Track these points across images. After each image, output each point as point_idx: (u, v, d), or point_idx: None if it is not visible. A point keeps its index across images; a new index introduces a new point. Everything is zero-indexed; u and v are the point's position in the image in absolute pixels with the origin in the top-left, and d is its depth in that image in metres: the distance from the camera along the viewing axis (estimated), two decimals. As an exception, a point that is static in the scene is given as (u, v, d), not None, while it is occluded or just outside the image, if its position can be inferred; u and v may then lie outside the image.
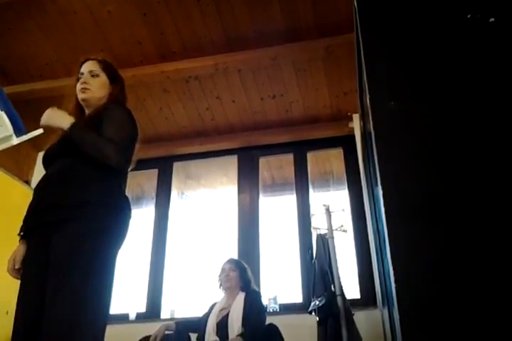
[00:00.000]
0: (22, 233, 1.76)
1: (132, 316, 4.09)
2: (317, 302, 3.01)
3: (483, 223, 1.14)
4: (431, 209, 1.18)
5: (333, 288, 3.04)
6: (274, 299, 3.83)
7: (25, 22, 3.93)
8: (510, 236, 1.11)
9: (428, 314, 1.08)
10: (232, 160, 4.71)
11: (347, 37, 3.42)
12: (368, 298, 3.67)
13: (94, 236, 1.60)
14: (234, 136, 4.67)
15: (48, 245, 1.62)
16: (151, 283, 4.24)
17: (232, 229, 4.36)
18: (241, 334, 2.81)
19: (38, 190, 1.77)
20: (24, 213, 1.76)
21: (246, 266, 3.30)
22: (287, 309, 3.78)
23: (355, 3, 1.64)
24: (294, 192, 4.40)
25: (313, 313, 3.08)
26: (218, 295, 3.28)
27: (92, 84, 1.97)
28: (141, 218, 4.65)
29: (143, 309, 4.14)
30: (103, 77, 2.00)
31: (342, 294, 3.02)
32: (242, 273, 3.21)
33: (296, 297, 3.91)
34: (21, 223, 1.75)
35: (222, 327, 2.94)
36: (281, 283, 4.12)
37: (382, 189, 1.24)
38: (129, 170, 1.91)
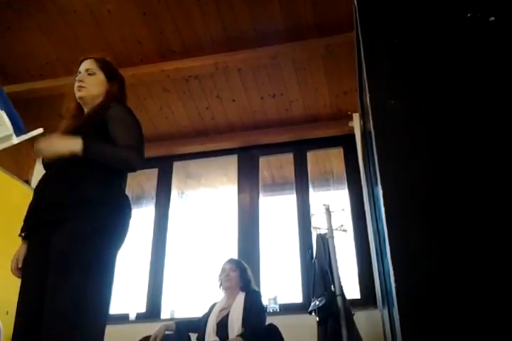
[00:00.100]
0: (23, 233, 1.75)
1: (132, 316, 4.09)
2: (317, 303, 3.01)
3: (483, 223, 1.14)
4: (431, 209, 1.18)
5: (333, 288, 3.04)
6: (274, 299, 3.82)
7: (25, 21, 3.93)
8: (510, 235, 1.10)
9: (428, 314, 1.08)
10: (232, 160, 4.71)
11: (347, 36, 3.42)
12: (367, 298, 3.66)
13: (95, 235, 1.60)
14: (234, 135, 4.67)
15: (48, 244, 1.62)
16: (151, 283, 4.24)
17: (232, 228, 4.36)
18: (241, 335, 2.80)
19: (38, 190, 1.77)
20: (24, 213, 1.76)
21: (246, 266, 3.30)
22: (287, 309, 3.78)
23: (355, 2, 1.63)
24: (294, 191, 4.40)
25: (313, 313, 3.08)
26: (218, 295, 3.28)
27: (87, 82, 1.97)
28: (141, 218, 4.65)
29: (143, 309, 4.14)
30: (99, 75, 2.00)
31: (342, 294, 3.01)
32: (243, 273, 3.20)
33: (296, 297, 3.91)
34: (21, 223, 1.75)
35: (222, 327, 2.94)
36: (281, 283, 4.12)
37: (382, 188, 1.24)
38: None
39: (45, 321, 1.49)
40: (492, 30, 1.37)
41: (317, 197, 4.38)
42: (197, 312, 3.40)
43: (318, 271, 3.16)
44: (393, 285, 1.13)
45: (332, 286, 3.04)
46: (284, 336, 2.86)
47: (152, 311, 4.10)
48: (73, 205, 1.65)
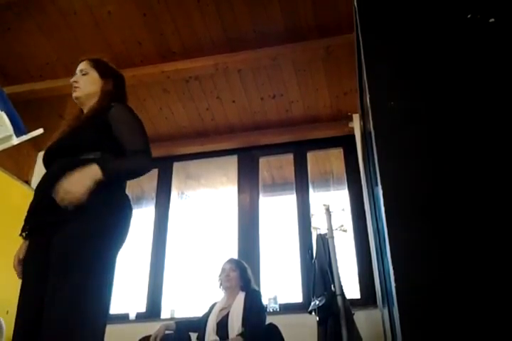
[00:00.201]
0: (24, 233, 1.75)
1: (132, 316, 4.09)
2: (317, 302, 3.01)
3: (483, 222, 1.14)
4: (431, 209, 1.19)
5: (333, 288, 3.04)
6: (274, 299, 3.83)
7: (26, 22, 3.93)
8: (510, 235, 1.11)
9: (428, 313, 1.08)
10: (232, 160, 4.72)
11: (347, 37, 3.43)
12: (368, 298, 3.67)
13: (95, 236, 1.60)
14: (234, 136, 4.67)
15: (48, 245, 1.62)
16: (151, 283, 4.24)
17: (232, 229, 4.36)
18: (241, 334, 2.81)
19: (38, 190, 1.77)
20: (24, 213, 1.76)
21: (246, 265, 3.30)
22: (287, 309, 3.78)
23: (355, 4, 1.64)
24: (294, 192, 4.40)
25: (313, 313, 3.08)
26: (218, 295, 3.28)
27: (81, 82, 1.98)
28: (141, 218, 4.65)
29: (143, 309, 4.14)
30: (93, 74, 2.00)
31: (342, 294, 3.02)
32: (243, 273, 3.21)
33: (296, 297, 3.91)
34: (21, 223, 1.75)
35: (222, 326, 2.94)
36: (281, 282, 4.12)
37: (382, 188, 1.24)
38: None
39: (45, 322, 1.49)
40: (492, 32, 1.37)
41: (317, 198, 4.38)
42: (197, 312, 3.41)
43: (318, 270, 3.16)
44: (393, 284, 1.14)
45: (332, 286, 3.05)
46: (284, 335, 2.87)
47: (152, 311, 4.11)
48: (73, 206, 1.65)
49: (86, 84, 1.98)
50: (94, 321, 1.53)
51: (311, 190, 4.40)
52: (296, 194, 4.37)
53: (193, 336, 3.10)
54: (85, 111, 1.98)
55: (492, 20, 1.38)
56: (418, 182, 1.23)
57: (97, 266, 1.58)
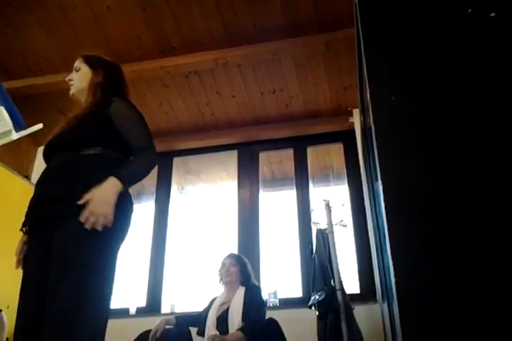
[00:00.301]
0: (25, 228, 1.75)
1: (132, 311, 4.10)
2: (317, 297, 3.02)
3: (483, 218, 1.15)
4: (431, 204, 1.19)
5: (332, 283, 3.05)
6: (274, 294, 3.84)
7: (25, 17, 3.92)
8: (510, 231, 1.11)
9: (427, 308, 1.09)
10: (232, 155, 4.71)
11: (347, 32, 3.42)
12: (367, 293, 3.68)
13: (96, 232, 1.60)
14: (234, 131, 4.67)
15: (49, 241, 1.61)
16: (151, 278, 4.25)
17: (232, 224, 4.37)
18: (241, 329, 2.82)
19: (38, 185, 1.77)
20: (24, 208, 1.76)
21: (246, 260, 3.31)
22: (287, 303, 3.79)
23: (356, -2, 1.63)
24: (294, 187, 4.40)
25: (313, 308, 3.09)
26: (218, 290, 3.29)
27: (74, 78, 2.01)
28: (141, 213, 4.65)
29: (143, 304, 4.15)
30: (84, 69, 2.01)
31: (342, 289, 3.03)
32: (243, 268, 3.21)
33: (296, 291, 3.92)
34: (21, 218, 1.75)
35: (222, 321, 2.95)
36: (281, 277, 4.13)
37: (382, 184, 1.24)
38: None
39: (47, 318, 1.49)
40: (493, 26, 1.37)
41: (317, 193, 4.38)
42: (197, 307, 3.41)
43: (318, 265, 3.17)
44: (393, 280, 1.14)
45: (332, 281, 3.06)
46: (283, 330, 2.87)
47: (152, 305, 4.12)
48: (74, 202, 1.64)
49: (79, 80, 2.00)
50: (96, 317, 1.53)
51: (311, 185, 4.40)
52: (296, 189, 4.38)
53: (193, 331, 3.11)
54: (83, 106, 1.98)
55: (493, 14, 1.37)
56: (418, 178, 1.23)
57: (98, 262, 1.58)
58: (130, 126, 1.83)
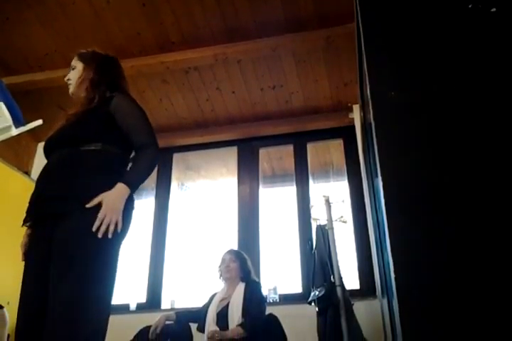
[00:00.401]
0: (27, 224, 1.75)
1: (133, 306, 4.11)
2: (317, 293, 3.02)
3: (483, 214, 1.14)
4: (431, 200, 1.18)
5: (332, 279, 3.06)
6: (274, 289, 3.84)
7: (24, 12, 3.90)
8: (511, 227, 1.11)
9: (427, 305, 1.09)
10: (232, 152, 4.71)
11: (347, 27, 3.41)
12: (367, 289, 3.68)
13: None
14: (234, 127, 4.66)
15: (50, 238, 1.61)
16: (152, 274, 4.26)
17: (232, 220, 4.37)
18: (241, 324, 2.83)
19: (39, 182, 1.76)
20: (24, 204, 1.76)
21: (246, 256, 3.31)
22: (287, 299, 3.80)
23: (356, -7, 1.63)
24: (294, 183, 4.40)
25: (312, 303, 3.09)
26: (218, 286, 3.29)
27: (71, 77, 2.01)
28: (141, 209, 4.65)
29: (143, 299, 4.16)
30: (79, 66, 2.01)
31: (341, 284, 3.03)
32: (243, 264, 3.22)
33: (296, 287, 3.93)
34: (21, 214, 1.75)
35: (222, 317, 2.96)
36: (281, 273, 4.14)
37: (383, 180, 1.24)
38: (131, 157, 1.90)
39: (49, 315, 1.49)
40: (493, 21, 1.36)
41: (317, 189, 4.38)
42: (197, 303, 3.42)
43: (318, 261, 3.17)
44: (393, 276, 1.14)
45: (332, 277, 3.06)
46: (283, 326, 2.88)
47: (152, 301, 4.13)
48: (74, 198, 1.64)
49: (75, 78, 1.99)
50: (98, 313, 1.53)
51: (310, 181, 4.40)
52: (296, 185, 4.38)
53: (193, 326, 3.12)
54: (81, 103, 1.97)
55: (494, 10, 1.37)
56: (418, 174, 1.23)
57: (99, 259, 1.58)
58: (131, 121, 1.82)
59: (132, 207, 1.75)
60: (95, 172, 1.72)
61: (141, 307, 4.09)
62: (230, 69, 4.18)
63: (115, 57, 2.10)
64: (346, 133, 4.35)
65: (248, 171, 4.56)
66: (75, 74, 2.00)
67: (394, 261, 1.14)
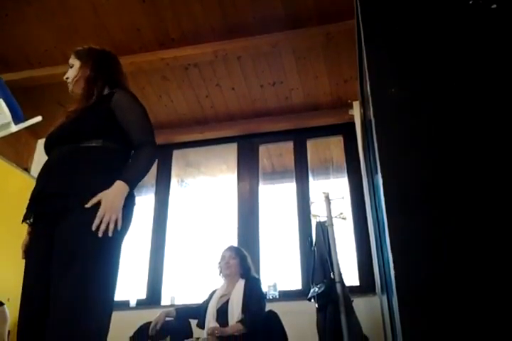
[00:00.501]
0: (29, 221, 1.74)
1: (133, 303, 4.12)
2: (316, 289, 3.03)
3: (483, 211, 1.14)
4: (431, 197, 1.18)
5: (332, 275, 3.06)
6: (274, 286, 3.85)
7: (24, 8, 3.89)
8: (510, 225, 1.11)
9: (426, 301, 1.09)
10: (232, 148, 4.71)
11: (347, 23, 3.40)
12: (367, 285, 3.69)
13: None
14: (233, 123, 4.66)
15: (51, 236, 1.61)
16: (152, 270, 4.26)
17: (232, 216, 4.37)
18: (241, 321, 2.83)
19: (39, 179, 1.76)
20: (23, 201, 1.76)
21: (246, 253, 3.31)
22: (287, 296, 3.81)
23: (356, -11, 1.62)
24: (294, 179, 4.40)
25: (312, 300, 3.10)
26: (218, 282, 3.30)
27: (69, 75, 2.00)
28: (141, 206, 4.65)
29: (143, 296, 4.17)
30: (76, 64, 2.00)
31: (341, 281, 3.03)
32: (242, 261, 3.22)
33: (296, 284, 3.93)
34: (21, 210, 1.74)
35: (222, 313, 2.96)
36: (281, 270, 4.15)
37: (382, 177, 1.24)
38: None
39: (51, 310, 1.49)
40: (494, 18, 1.36)
41: (317, 186, 4.38)
42: (197, 299, 3.43)
43: (318, 258, 3.17)
44: (392, 272, 1.14)
45: (331, 273, 3.06)
46: (283, 322, 2.89)
47: (152, 298, 4.13)
48: (74, 195, 1.63)
49: (73, 77, 1.99)
50: (99, 309, 1.53)
51: (310, 177, 4.40)
52: (296, 182, 4.38)
53: (193, 323, 3.13)
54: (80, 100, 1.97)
55: (494, 6, 1.36)
56: (418, 171, 1.23)
57: (100, 257, 1.57)
58: (131, 118, 1.82)
59: (133, 204, 1.75)
60: (96, 169, 1.72)
61: (141, 304, 4.10)
62: (230, 65, 4.17)
63: (112, 52, 2.09)
64: (346, 130, 4.35)
65: (248, 168, 4.56)
66: (72, 72, 1.99)
67: (393, 258, 1.14)
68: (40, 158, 4.57)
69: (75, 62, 2.00)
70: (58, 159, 1.75)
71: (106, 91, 1.94)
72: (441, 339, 1.06)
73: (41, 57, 4.24)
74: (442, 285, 1.09)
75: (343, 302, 2.94)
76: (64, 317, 1.46)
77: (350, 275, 3.62)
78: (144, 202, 4.69)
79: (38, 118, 3.01)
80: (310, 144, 4.58)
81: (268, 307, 3.01)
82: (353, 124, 4.18)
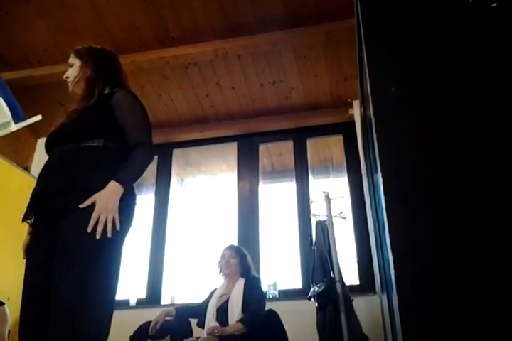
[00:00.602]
0: (29, 221, 1.74)
1: (133, 302, 4.12)
2: (316, 289, 3.03)
3: (483, 210, 1.14)
4: (431, 196, 1.18)
5: (332, 275, 3.06)
6: (274, 285, 3.85)
7: (23, 7, 3.89)
8: (510, 223, 1.11)
9: (426, 300, 1.09)
10: (232, 147, 4.71)
11: (347, 22, 3.39)
12: (367, 284, 3.69)
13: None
14: (233, 122, 4.66)
15: (51, 235, 1.61)
16: (152, 270, 4.26)
17: (232, 215, 4.37)
18: (241, 320, 2.83)
19: (40, 178, 1.76)
20: (23, 200, 1.76)
21: (246, 252, 3.31)
22: (287, 295, 3.81)
23: (356, -12, 1.62)
24: (294, 179, 4.40)
25: (312, 299, 3.10)
26: (218, 281, 3.30)
27: (69, 75, 1.99)
28: (141, 205, 4.64)
29: (143, 295, 4.17)
30: (77, 63, 1.99)
31: (341, 280, 3.03)
32: (242, 260, 3.22)
33: (296, 283, 3.93)
34: (21, 210, 1.74)
35: (222, 312, 2.96)
36: (281, 269, 4.15)
37: (382, 176, 1.23)
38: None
39: (51, 313, 1.49)
40: (494, 16, 1.36)
41: (317, 185, 4.38)
42: (197, 298, 3.43)
43: (318, 257, 3.17)
44: (392, 271, 1.14)
45: (331, 272, 3.06)
46: (283, 321, 2.89)
47: (152, 297, 4.13)
48: (75, 194, 1.63)
49: (73, 76, 1.97)
50: (99, 309, 1.52)
51: (310, 177, 4.40)
52: (296, 181, 4.38)
53: (193, 322, 3.12)
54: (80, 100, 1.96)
55: (494, 4, 1.36)
56: (418, 170, 1.23)
57: (101, 257, 1.57)
58: (129, 118, 1.81)
59: (134, 203, 1.75)
60: (97, 168, 1.71)
61: (141, 303, 4.10)
62: (230, 64, 4.17)
63: (112, 51, 2.08)
64: (346, 129, 4.35)
65: (248, 167, 4.56)
66: (72, 71, 1.98)
67: (394, 257, 1.13)
68: (40, 157, 4.57)
69: (75, 62, 1.99)
70: (59, 159, 1.74)
71: (107, 91, 1.93)
72: (441, 339, 1.06)
73: (41, 56, 4.24)
74: (442, 284, 1.09)
75: (343, 302, 2.94)
76: (64, 317, 1.46)
77: (350, 274, 3.62)
78: (144, 201, 4.69)
79: (38, 118, 3.02)
80: (310, 143, 4.58)
81: (268, 306, 3.01)
82: (353, 123, 4.17)
